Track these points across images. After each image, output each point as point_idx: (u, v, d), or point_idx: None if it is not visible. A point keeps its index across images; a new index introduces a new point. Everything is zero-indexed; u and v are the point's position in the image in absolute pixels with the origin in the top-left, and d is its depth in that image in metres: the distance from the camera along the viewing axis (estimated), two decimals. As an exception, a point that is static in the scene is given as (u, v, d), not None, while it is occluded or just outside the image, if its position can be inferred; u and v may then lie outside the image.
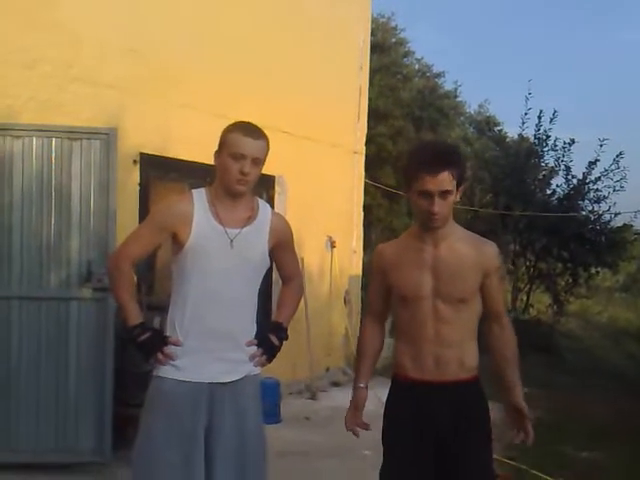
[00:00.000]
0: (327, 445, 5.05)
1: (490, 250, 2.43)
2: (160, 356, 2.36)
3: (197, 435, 2.36)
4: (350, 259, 7.79)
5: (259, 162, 2.40)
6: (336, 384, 7.03)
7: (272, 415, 5.51)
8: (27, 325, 4.05)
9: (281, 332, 2.61)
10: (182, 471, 2.33)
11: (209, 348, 2.38)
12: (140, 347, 2.40)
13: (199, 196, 2.43)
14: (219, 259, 2.38)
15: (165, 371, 2.37)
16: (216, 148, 2.43)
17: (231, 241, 2.38)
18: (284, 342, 2.62)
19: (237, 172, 2.35)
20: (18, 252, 4.04)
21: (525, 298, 11.43)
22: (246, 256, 2.42)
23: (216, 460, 2.38)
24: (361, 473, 4.54)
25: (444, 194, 2.26)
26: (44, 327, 4.06)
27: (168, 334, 2.41)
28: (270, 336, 2.55)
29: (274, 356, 2.58)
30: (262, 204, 2.55)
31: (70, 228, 4.10)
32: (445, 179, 2.25)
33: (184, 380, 2.36)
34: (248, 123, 2.45)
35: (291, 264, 2.70)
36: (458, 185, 2.32)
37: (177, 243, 2.39)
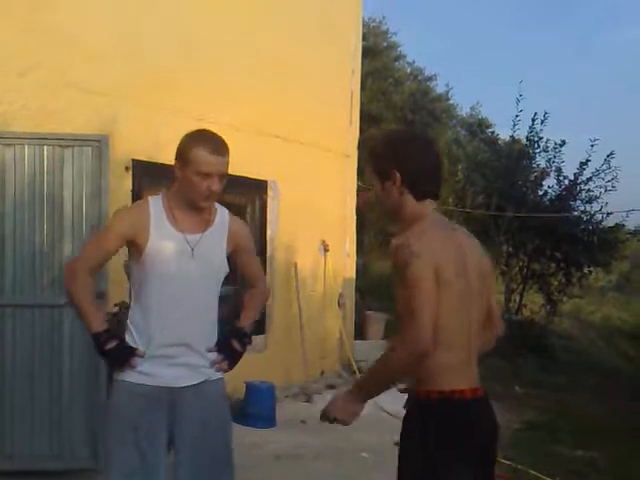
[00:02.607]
0: (323, 448, 5.05)
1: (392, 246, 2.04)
2: (126, 367, 2.36)
3: (158, 437, 2.37)
4: (344, 262, 7.80)
5: (225, 176, 2.39)
6: (331, 387, 7.03)
7: (268, 419, 5.52)
8: (21, 332, 4.04)
9: (243, 337, 2.58)
10: (142, 473, 2.33)
11: (169, 354, 2.39)
12: (106, 355, 2.37)
13: (155, 203, 2.41)
14: (179, 266, 2.37)
15: (126, 375, 2.38)
16: (177, 158, 2.39)
17: (192, 249, 2.38)
18: (250, 346, 2.63)
19: (205, 190, 2.33)
20: (11, 260, 4.03)
21: (518, 298, 11.47)
22: (206, 262, 2.42)
23: (180, 468, 2.41)
24: (358, 476, 4.55)
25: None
26: (38, 334, 4.05)
27: (127, 339, 2.40)
28: (232, 342, 2.53)
29: (237, 361, 2.55)
30: (219, 207, 2.53)
31: (63, 235, 4.10)
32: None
33: (144, 384, 2.36)
34: (212, 136, 2.40)
35: (253, 267, 2.69)
36: (381, 176, 2.13)
37: (136, 251, 2.37)
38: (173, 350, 2.38)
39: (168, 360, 2.38)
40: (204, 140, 2.36)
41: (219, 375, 2.50)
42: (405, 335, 1.92)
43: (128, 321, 2.43)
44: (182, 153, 2.37)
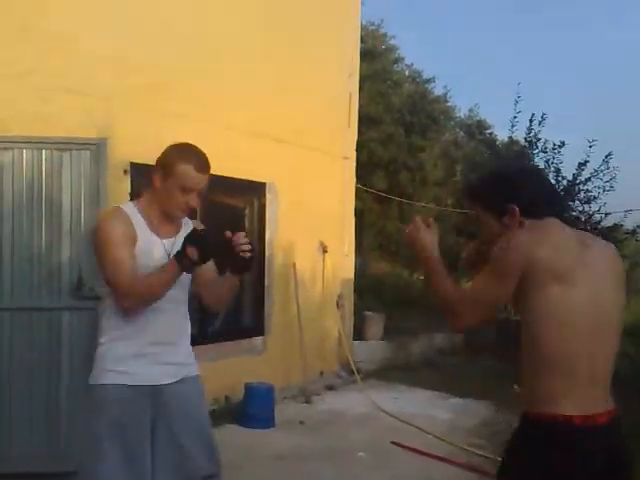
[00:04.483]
0: (322, 448, 5.08)
1: None
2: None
3: (145, 439, 2.38)
4: (342, 263, 7.82)
5: (203, 192, 2.45)
6: (330, 388, 7.06)
7: (267, 420, 5.53)
8: (19, 336, 4.06)
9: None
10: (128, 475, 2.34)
11: (151, 353, 2.43)
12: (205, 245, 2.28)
13: (131, 210, 2.45)
14: None
15: (109, 378, 2.38)
16: (158, 167, 2.42)
17: (169, 254, 2.42)
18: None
19: (184, 203, 2.41)
20: (9, 263, 4.06)
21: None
22: None
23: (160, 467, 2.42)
24: (356, 476, 4.58)
25: None
26: (36, 338, 4.07)
27: (102, 341, 2.43)
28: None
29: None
30: None
31: (61, 238, 4.13)
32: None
33: (129, 384, 2.38)
34: (198, 152, 2.44)
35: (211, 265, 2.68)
36: (496, 214, 2.12)
37: None
38: (155, 349, 2.43)
39: (154, 358, 2.43)
40: (191, 156, 2.41)
41: (194, 372, 2.58)
42: (456, 306, 2.02)
43: (107, 324, 2.44)
44: (166, 165, 2.41)
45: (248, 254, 2.35)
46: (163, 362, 2.45)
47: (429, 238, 2.16)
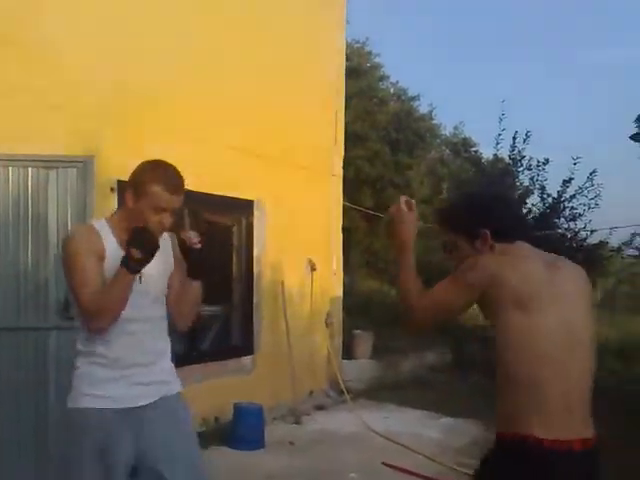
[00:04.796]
0: (312, 469, 5.01)
1: None
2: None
3: (124, 463, 2.33)
4: (330, 281, 7.79)
5: (176, 211, 2.39)
6: (320, 407, 6.99)
7: (256, 441, 5.46)
8: (6, 356, 3.99)
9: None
10: None
11: (128, 375, 2.38)
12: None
13: (102, 228, 2.39)
14: (132, 291, 2.34)
15: (87, 401, 2.33)
16: (131, 185, 2.36)
17: (140, 277, 2.33)
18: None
19: (156, 223, 2.34)
20: (-5, 282, 4.00)
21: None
22: (155, 281, 2.42)
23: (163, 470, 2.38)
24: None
25: None
26: (23, 357, 4.01)
27: (78, 364, 2.38)
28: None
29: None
30: None
31: (47, 257, 4.07)
32: None
33: (107, 408, 2.33)
34: (171, 172, 2.38)
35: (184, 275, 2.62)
36: (469, 238, 2.18)
37: None
38: (133, 371, 2.39)
39: (131, 380, 2.38)
40: (164, 177, 2.33)
41: (175, 390, 2.53)
42: (413, 301, 2.11)
43: (82, 346, 2.39)
44: (138, 185, 2.33)
45: (198, 245, 2.44)
46: (141, 383, 2.40)
47: (410, 223, 2.24)
